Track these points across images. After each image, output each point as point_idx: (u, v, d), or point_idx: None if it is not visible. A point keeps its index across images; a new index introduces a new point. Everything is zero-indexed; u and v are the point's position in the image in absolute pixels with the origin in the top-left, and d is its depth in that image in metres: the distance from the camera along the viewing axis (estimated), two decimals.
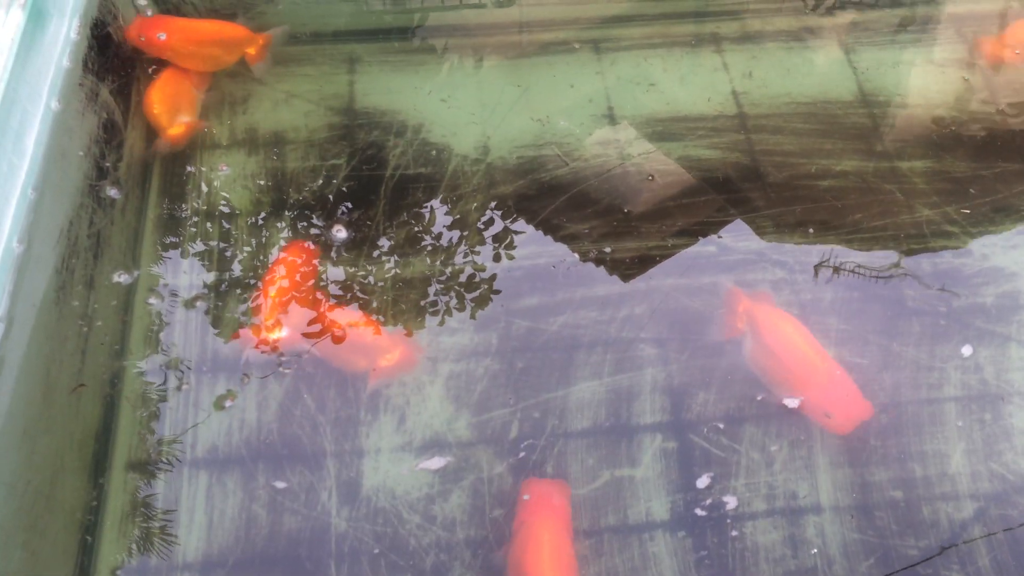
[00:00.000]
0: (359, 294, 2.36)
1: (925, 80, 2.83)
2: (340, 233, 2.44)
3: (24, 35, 2.25)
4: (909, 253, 2.47)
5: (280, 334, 2.26)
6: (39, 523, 1.96)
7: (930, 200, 2.56)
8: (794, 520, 2.09)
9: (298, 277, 2.34)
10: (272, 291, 2.30)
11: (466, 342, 2.30)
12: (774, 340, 2.23)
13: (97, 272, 2.31)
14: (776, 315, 2.30)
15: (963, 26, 2.98)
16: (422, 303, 2.36)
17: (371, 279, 2.39)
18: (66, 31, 2.42)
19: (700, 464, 2.15)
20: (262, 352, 2.25)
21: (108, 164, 2.45)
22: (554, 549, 1.94)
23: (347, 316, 2.29)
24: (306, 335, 2.26)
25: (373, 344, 2.24)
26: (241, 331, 2.30)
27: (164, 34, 2.62)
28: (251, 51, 2.74)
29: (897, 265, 2.45)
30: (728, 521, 2.08)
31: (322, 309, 2.30)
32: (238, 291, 2.35)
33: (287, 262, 2.37)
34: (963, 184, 2.59)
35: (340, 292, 2.36)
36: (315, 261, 2.40)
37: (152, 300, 2.33)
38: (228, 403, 2.19)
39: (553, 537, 1.96)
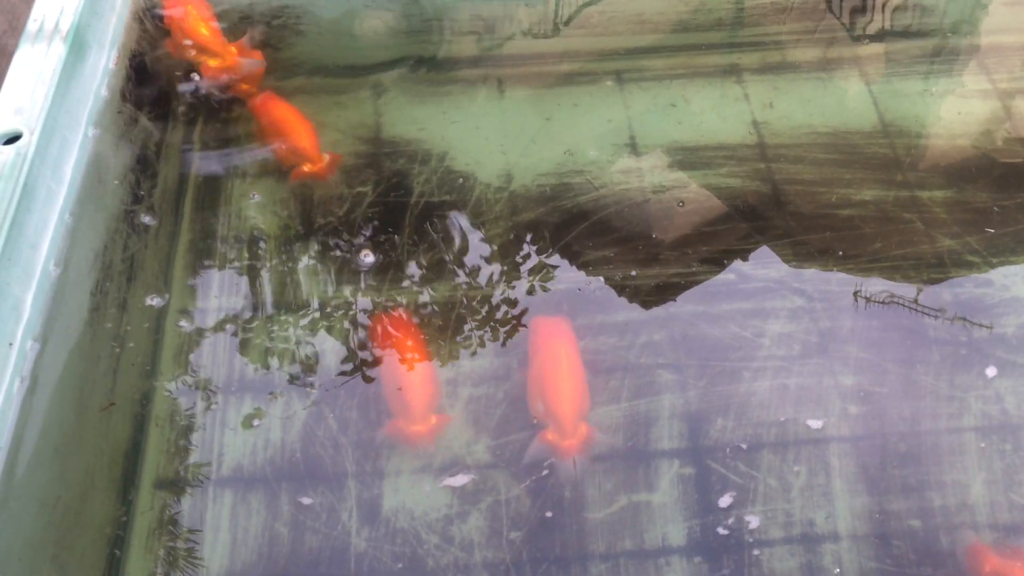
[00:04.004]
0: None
1: (946, 110, 2.85)
2: (368, 258, 2.50)
3: (65, 66, 2.34)
4: (929, 282, 2.48)
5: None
6: (68, 538, 2.01)
7: (951, 230, 2.57)
8: (811, 547, 2.09)
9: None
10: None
11: (487, 366, 2.34)
12: None
13: (130, 295, 2.38)
14: None
15: (985, 58, 2.99)
16: (444, 327, 2.40)
17: (394, 303, 2.43)
18: (105, 62, 2.51)
19: (717, 490, 2.16)
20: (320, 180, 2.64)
21: (143, 191, 2.53)
22: (571, 365, 2.20)
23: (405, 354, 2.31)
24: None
25: (411, 403, 2.22)
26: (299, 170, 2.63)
27: (165, 11, 2.84)
28: (212, 63, 2.83)
29: (917, 294, 2.46)
30: (745, 547, 2.08)
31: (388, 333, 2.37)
32: (266, 313, 2.41)
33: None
34: (984, 214, 2.60)
35: (366, 314, 2.41)
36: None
37: (183, 322, 2.39)
38: (255, 422, 2.24)
39: (569, 354, 2.22)
